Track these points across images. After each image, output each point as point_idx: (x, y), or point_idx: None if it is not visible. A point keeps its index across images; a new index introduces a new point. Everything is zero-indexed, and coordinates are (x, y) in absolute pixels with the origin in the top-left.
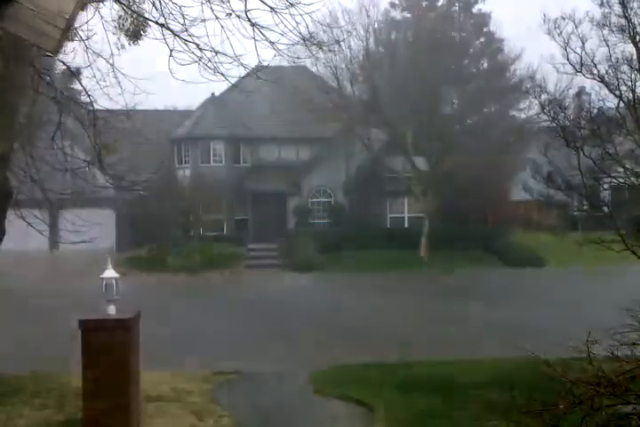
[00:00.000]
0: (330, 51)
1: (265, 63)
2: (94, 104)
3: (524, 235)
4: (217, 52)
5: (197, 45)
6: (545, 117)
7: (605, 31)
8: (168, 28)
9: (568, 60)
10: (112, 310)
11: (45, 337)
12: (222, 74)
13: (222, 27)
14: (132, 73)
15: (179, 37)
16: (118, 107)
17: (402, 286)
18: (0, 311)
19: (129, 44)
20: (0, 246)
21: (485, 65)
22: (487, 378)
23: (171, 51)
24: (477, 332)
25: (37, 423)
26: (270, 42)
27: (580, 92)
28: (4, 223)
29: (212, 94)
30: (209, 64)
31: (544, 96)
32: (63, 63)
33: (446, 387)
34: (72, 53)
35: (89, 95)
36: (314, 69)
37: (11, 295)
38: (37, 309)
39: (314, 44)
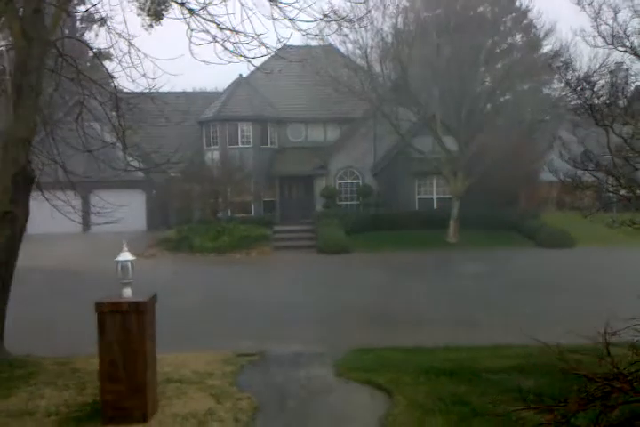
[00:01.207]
0: (354, 27)
1: (287, 42)
2: (118, 86)
3: (555, 216)
4: (237, 32)
5: (217, 25)
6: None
7: (638, 1)
8: (187, 8)
9: (598, 32)
10: (127, 292)
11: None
12: (242, 55)
13: (242, 5)
14: (160, 56)
15: (198, 16)
16: (143, 89)
17: (429, 266)
18: (28, 291)
19: (150, 26)
20: (34, 229)
21: (517, 41)
22: (512, 364)
23: (190, 31)
24: (503, 313)
25: (58, 404)
26: (290, 19)
27: (617, 68)
28: (28, 205)
29: (240, 76)
30: (227, 44)
31: (571, 73)
32: (86, 45)
33: (470, 373)
34: (96, 36)
35: (112, 77)
36: (342, 49)
37: (35, 276)
38: (61, 289)
39: (334, 20)
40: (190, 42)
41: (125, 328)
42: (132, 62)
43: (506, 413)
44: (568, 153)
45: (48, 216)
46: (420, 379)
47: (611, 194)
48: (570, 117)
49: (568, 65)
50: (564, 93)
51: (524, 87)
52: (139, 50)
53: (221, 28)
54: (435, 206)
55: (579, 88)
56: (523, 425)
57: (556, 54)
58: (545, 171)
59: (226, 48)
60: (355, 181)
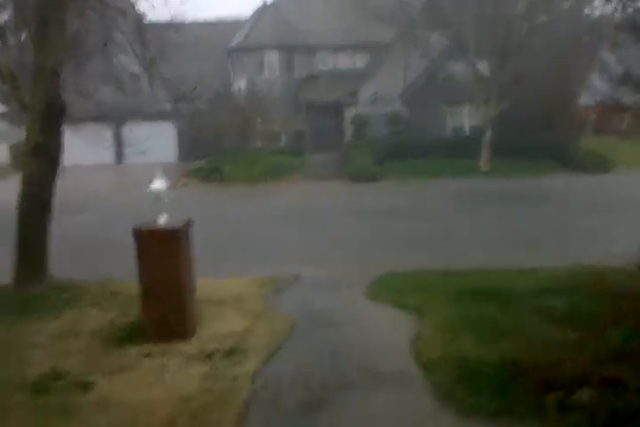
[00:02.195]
0: None
1: None
2: (143, 16)
3: (592, 140)
4: None
5: None
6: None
7: None
8: None
9: None
10: (163, 219)
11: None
12: None
13: None
14: None
15: None
16: (168, 19)
17: (461, 193)
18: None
19: None
20: (66, 162)
21: None
22: (543, 286)
23: None
24: (533, 236)
25: (102, 325)
26: None
27: None
28: (60, 137)
29: (264, 2)
30: None
31: None
32: None
33: (501, 295)
34: None
35: (136, 8)
36: None
37: (73, 206)
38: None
39: None
40: None
41: (162, 253)
42: None
43: (536, 332)
44: (608, 74)
45: (80, 148)
46: (451, 301)
47: None
48: (611, 37)
49: None
50: (605, 12)
51: (564, 6)
52: None
53: None
54: (467, 133)
55: (620, 3)
56: (554, 343)
57: None
58: (582, 94)
59: None
60: (385, 109)
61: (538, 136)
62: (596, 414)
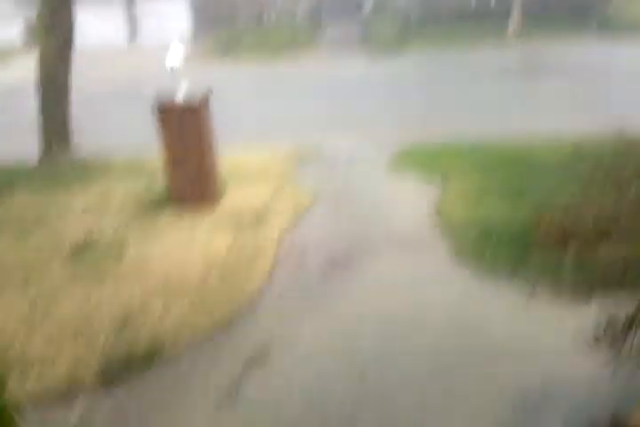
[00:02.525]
0: None
1: None
2: None
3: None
4: None
5: None
6: None
7: None
8: None
9: None
10: (181, 92)
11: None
12: None
13: None
14: None
15: None
16: None
17: (487, 63)
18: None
19: None
20: (80, 42)
21: None
22: (568, 156)
23: None
24: (558, 105)
25: (131, 196)
26: None
27: None
28: (72, 15)
29: None
30: None
31: None
32: None
33: (526, 163)
34: None
35: None
36: None
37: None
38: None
39: None
40: None
41: (182, 124)
42: None
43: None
44: None
45: (92, 28)
46: (477, 168)
47: None
48: None
49: None
50: None
51: None
52: None
53: None
54: None
55: None
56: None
57: None
58: None
59: None
60: None
61: None
62: (610, 267)
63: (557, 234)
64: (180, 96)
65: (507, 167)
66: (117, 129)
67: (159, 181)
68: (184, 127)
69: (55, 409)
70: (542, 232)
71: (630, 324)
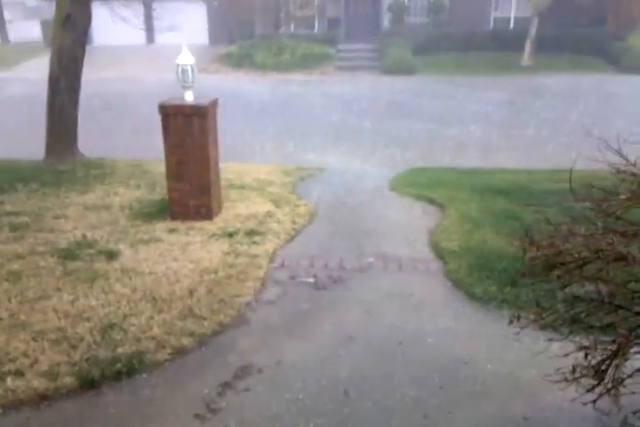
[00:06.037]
0: None
1: None
2: None
3: None
4: None
5: None
6: None
7: None
8: None
9: None
10: (189, 95)
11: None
12: None
13: None
14: None
15: None
16: None
17: (499, 89)
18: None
19: None
20: (98, 42)
21: None
22: (572, 186)
23: None
24: (563, 136)
25: (131, 200)
26: None
27: None
28: (89, 8)
29: None
30: None
31: None
32: None
33: (526, 192)
34: None
35: None
36: None
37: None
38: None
39: None
40: None
41: (188, 130)
42: None
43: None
44: None
45: (111, 27)
46: (475, 196)
47: None
48: None
49: None
50: None
51: None
52: None
53: None
54: (511, 26)
55: None
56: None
57: None
58: None
59: None
60: None
61: (588, 30)
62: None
63: (543, 263)
64: (187, 99)
65: (507, 197)
66: (124, 130)
67: (161, 188)
68: (189, 133)
69: (31, 413)
70: (528, 261)
71: (610, 358)
